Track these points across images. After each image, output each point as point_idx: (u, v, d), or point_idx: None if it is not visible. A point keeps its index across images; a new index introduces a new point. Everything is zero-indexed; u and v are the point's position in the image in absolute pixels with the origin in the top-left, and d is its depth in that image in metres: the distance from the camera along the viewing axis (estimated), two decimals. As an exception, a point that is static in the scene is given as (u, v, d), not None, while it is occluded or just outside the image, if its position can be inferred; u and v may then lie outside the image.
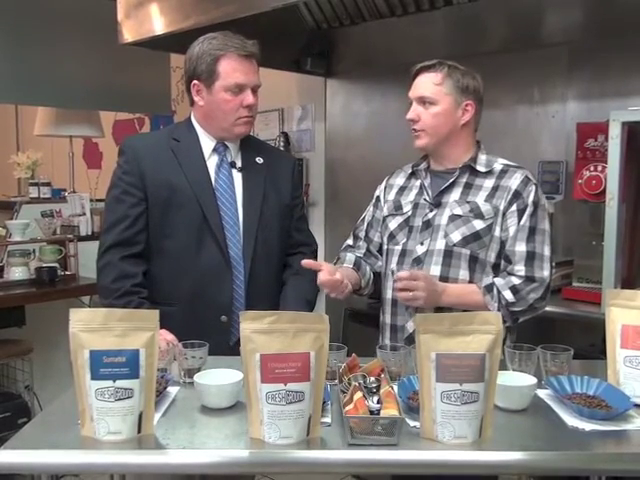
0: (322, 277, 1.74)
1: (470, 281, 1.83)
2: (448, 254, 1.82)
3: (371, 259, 2.02)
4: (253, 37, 1.89)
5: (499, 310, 1.76)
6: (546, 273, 1.79)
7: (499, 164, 1.88)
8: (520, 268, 1.78)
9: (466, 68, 1.86)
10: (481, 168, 1.87)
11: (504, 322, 1.75)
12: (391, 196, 1.99)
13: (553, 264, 1.83)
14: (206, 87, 1.87)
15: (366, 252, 2.02)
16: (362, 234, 2.04)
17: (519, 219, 1.80)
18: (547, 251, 1.81)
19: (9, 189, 4.86)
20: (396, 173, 2.04)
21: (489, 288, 1.79)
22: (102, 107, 4.05)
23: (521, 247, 1.79)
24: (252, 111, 1.90)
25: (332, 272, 1.76)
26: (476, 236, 1.81)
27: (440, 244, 1.83)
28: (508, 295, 1.77)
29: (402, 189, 1.98)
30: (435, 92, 1.82)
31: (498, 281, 1.79)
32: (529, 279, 1.77)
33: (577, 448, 1.23)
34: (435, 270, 1.83)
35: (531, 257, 1.78)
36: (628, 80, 2.52)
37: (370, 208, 2.06)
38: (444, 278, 1.82)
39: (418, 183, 1.95)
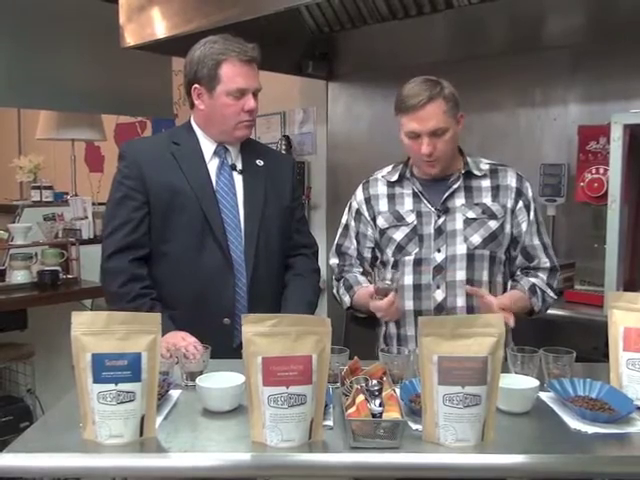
0: (383, 305, 1.74)
1: (490, 280, 1.87)
2: (470, 257, 1.84)
3: (369, 277, 2.00)
4: (255, 41, 1.89)
5: (542, 309, 1.88)
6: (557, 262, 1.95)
7: (485, 164, 1.93)
8: (545, 260, 1.91)
9: (437, 78, 1.81)
10: (476, 171, 1.89)
11: (532, 315, 1.88)
12: (383, 207, 1.93)
13: None
14: (207, 91, 1.87)
15: (363, 271, 1.99)
16: (352, 252, 1.99)
17: (528, 215, 1.89)
18: (550, 241, 1.97)
19: (11, 193, 4.87)
20: (372, 183, 1.98)
21: (533, 290, 1.86)
22: (104, 110, 4.05)
23: (536, 241, 1.91)
24: (253, 115, 1.90)
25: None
26: (493, 236, 1.86)
27: (461, 249, 1.84)
28: (551, 293, 1.90)
29: (392, 198, 1.93)
30: (445, 120, 1.77)
31: (537, 281, 1.88)
32: (553, 269, 1.91)
33: (580, 451, 1.23)
34: (460, 275, 1.83)
35: (546, 248, 1.92)
36: (630, 83, 2.52)
37: (352, 223, 1.99)
38: (469, 281, 1.83)
39: (409, 191, 1.92)
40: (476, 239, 1.84)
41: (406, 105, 1.78)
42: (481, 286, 1.84)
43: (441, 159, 1.83)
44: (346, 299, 1.95)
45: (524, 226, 1.89)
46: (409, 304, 1.87)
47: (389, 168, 1.98)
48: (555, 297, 1.91)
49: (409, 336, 1.89)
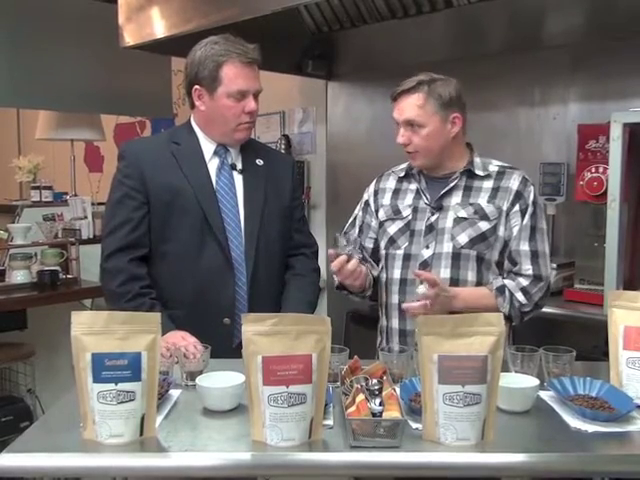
0: (334, 265, 1.74)
1: (478, 281, 1.84)
2: (456, 257, 1.83)
3: (366, 265, 1.99)
4: (254, 40, 1.89)
5: (510, 312, 1.81)
6: (549, 271, 1.87)
7: (494, 166, 1.91)
8: (528, 267, 1.83)
9: (443, 76, 1.84)
10: (479, 172, 1.88)
11: (511, 321, 1.81)
12: (386, 200, 1.97)
13: (551, 261, 1.91)
14: (208, 92, 1.86)
15: (363, 258, 1.98)
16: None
17: (522, 219, 1.84)
18: (547, 249, 1.87)
19: (11, 193, 4.87)
20: (385, 177, 2.03)
21: (501, 290, 1.82)
22: (103, 110, 4.05)
23: (525, 246, 1.84)
24: (253, 117, 1.90)
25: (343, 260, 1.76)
26: (483, 237, 1.83)
27: (447, 247, 1.84)
28: (520, 297, 1.82)
29: (396, 193, 1.97)
30: (421, 114, 1.80)
31: (509, 283, 1.83)
32: (536, 278, 1.83)
33: (580, 450, 1.23)
34: (445, 273, 1.83)
35: (535, 255, 1.84)
36: (629, 81, 2.52)
37: (360, 213, 2.04)
38: (454, 280, 1.83)
39: (413, 187, 1.94)
40: (463, 239, 1.83)
41: (391, 95, 1.86)
42: (466, 286, 1.84)
43: (421, 154, 1.85)
44: (335, 277, 1.95)
45: (515, 230, 1.84)
46: (395, 297, 1.90)
47: (404, 165, 2.00)
48: (526, 302, 1.81)
49: (394, 329, 1.92)
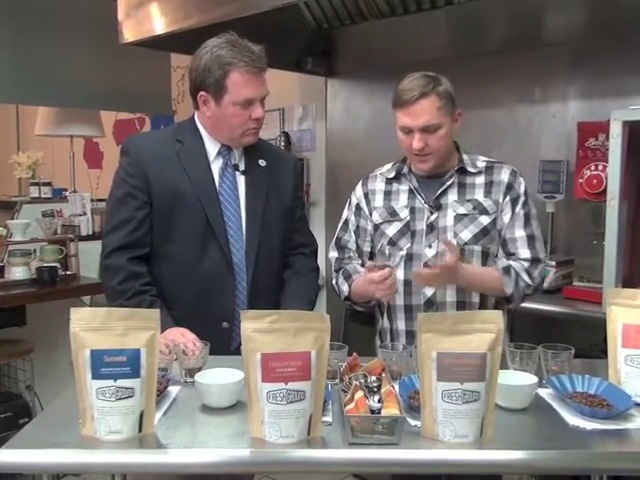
0: (376, 277, 1.74)
1: None
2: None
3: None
4: (254, 37, 1.87)
5: (514, 293, 1.82)
6: (545, 254, 1.91)
7: (481, 162, 1.92)
8: (525, 251, 1.85)
9: (435, 74, 1.83)
10: (470, 169, 1.90)
11: (510, 303, 1.85)
12: (378, 202, 1.95)
13: (550, 259, 1.92)
14: (214, 99, 1.83)
15: (362, 264, 1.98)
16: (351, 245, 2.00)
17: (513, 208, 1.87)
18: (541, 235, 1.92)
19: (10, 189, 4.87)
20: (371, 179, 2.00)
21: (507, 270, 1.83)
22: (102, 107, 4.06)
23: (521, 233, 1.86)
24: (260, 122, 1.88)
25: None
26: (485, 231, 1.85)
27: None
28: (526, 278, 1.83)
29: (388, 194, 1.95)
30: (439, 116, 1.79)
31: (514, 264, 1.85)
32: (535, 261, 1.85)
33: (578, 447, 1.23)
34: None
35: (532, 239, 1.87)
36: (629, 79, 2.52)
37: (352, 217, 2.01)
38: None
39: (405, 187, 1.93)
40: (466, 235, 1.84)
41: (400, 100, 1.81)
42: None
43: (434, 155, 1.84)
44: (344, 288, 1.95)
45: (507, 218, 1.86)
46: (399, 299, 1.88)
47: (389, 166, 2.00)
48: (531, 284, 1.83)
49: (400, 330, 1.90)
